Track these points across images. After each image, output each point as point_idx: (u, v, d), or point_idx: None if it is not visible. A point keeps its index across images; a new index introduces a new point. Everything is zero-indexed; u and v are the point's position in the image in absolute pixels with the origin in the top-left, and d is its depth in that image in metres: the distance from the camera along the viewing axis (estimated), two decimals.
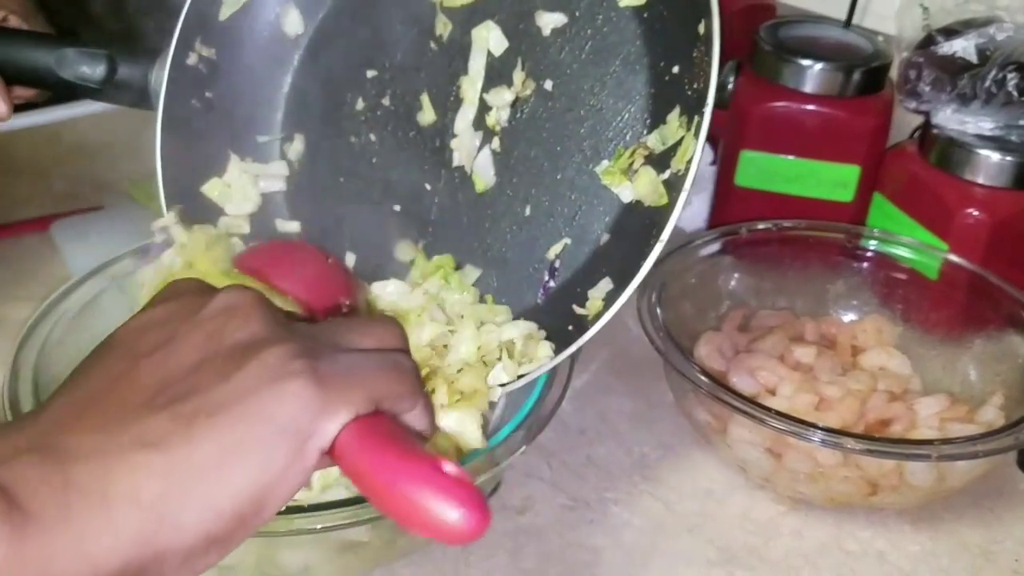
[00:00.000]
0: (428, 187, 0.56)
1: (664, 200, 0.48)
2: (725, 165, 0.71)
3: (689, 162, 0.46)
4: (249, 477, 0.28)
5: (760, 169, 0.68)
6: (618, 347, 0.66)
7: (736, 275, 0.65)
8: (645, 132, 0.50)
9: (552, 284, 0.52)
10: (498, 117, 0.53)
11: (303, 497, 0.46)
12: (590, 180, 0.51)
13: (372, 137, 0.57)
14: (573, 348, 0.48)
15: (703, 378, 0.52)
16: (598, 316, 0.48)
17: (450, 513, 0.28)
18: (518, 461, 0.56)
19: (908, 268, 0.64)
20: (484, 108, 0.54)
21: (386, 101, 0.57)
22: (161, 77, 0.56)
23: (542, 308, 0.52)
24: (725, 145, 0.71)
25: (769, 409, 0.51)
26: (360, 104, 0.57)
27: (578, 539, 0.52)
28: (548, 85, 0.52)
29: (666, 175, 0.48)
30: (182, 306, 0.32)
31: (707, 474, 0.57)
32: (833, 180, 0.68)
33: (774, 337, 0.60)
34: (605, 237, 0.51)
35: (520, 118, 0.53)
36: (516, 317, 0.52)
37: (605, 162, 0.50)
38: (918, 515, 0.55)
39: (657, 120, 0.49)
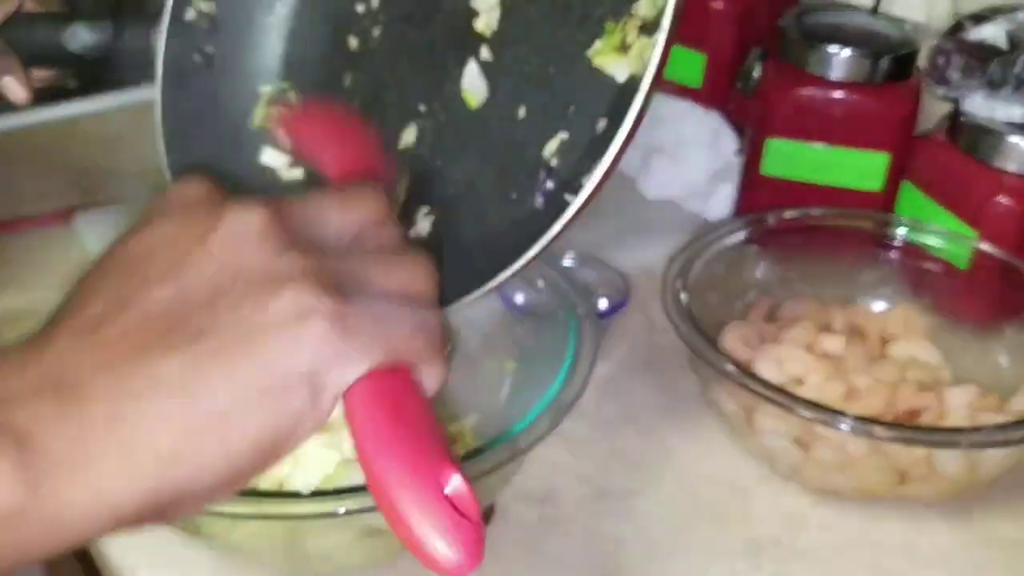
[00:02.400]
0: (423, 108, 0.54)
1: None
2: (751, 154, 0.70)
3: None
4: (263, 426, 0.28)
5: (787, 157, 0.68)
6: (642, 337, 0.66)
7: (763, 264, 0.64)
8: (634, 1, 0.46)
9: (550, 185, 0.49)
10: (488, 21, 0.51)
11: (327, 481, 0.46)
12: (583, 65, 0.48)
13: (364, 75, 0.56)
14: (547, 239, 0.44)
15: (730, 367, 0.52)
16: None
17: (439, 547, 0.27)
18: (541, 451, 0.55)
19: (938, 257, 0.63)
20: (471, 15, 0.51)
21: (376, 32, 0.55)
22: (160, 32, 0.56)
23: (543, 212, 0.49)
24: (751, 133, 0.70)
25: (798, 397, 0.50)
26: (354, 43, 0.56)
27: (601, 529, 0.52)
28: None
29: None
30: (190, 224, 0.30)
31: (733, 465, 0.57)
32: (861, 168, 0.67)
33: (801, 327, 0.60)
34: (602, 123, 0.47)
35: (508, 17, 0.51)
36: (518, 223, 0.49)
37: (597, 43, 0.47)
38: (948, 507, 0.54)
39: None
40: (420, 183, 0.54)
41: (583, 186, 0.44)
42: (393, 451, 0.28)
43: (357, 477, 0.45)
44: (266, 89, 0.59)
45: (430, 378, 0.31)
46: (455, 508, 0.27)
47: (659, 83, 0.42)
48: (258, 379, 0.27)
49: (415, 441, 0.29)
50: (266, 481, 0.44)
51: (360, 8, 0.56)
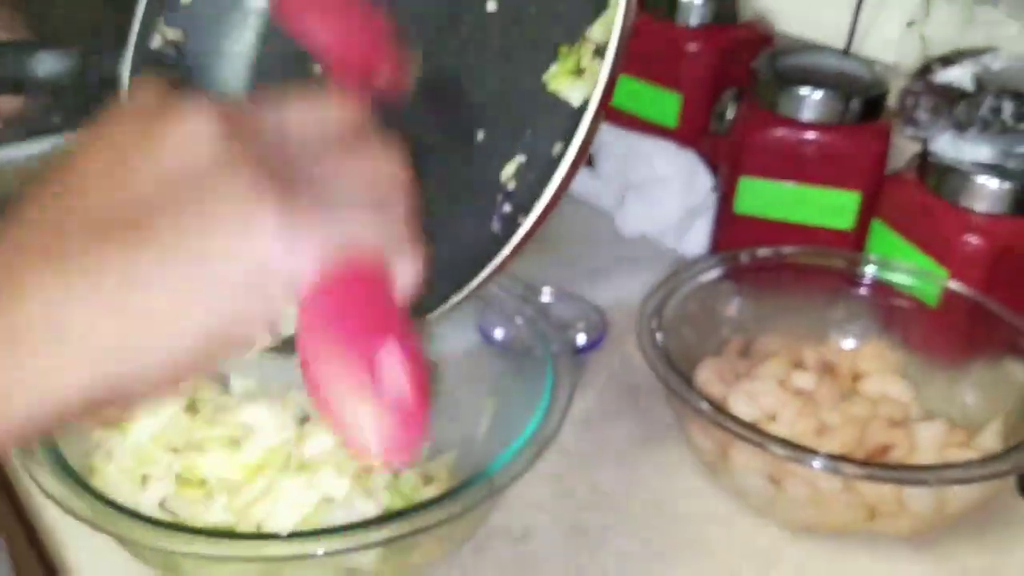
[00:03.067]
0: None
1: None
2: (725, 192, 0.71)
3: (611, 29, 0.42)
4: (206, 323, 0.27)
5: (760, 196, 0.69)
6: (619, 373, 0.67)
7: (737, 301, 0.65)
8: (588, 26, 0.46)
9: (508, 208, 0.49)
10: None
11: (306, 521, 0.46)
12: (539, 89, 0.48)
13: None
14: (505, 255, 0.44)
15: (703, 404, 0.53)
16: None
17: (366, 441, 0.27)
18: (519, 487, 0.56)
19: (908, 295, 0.64)
20: None
21: None
22: (125, 60, 0.55)
23: (500, 237, 0.48)
24: (725, 172, 0.72)
25: (769, 435, 0.51)
26: (318, 69, 0.54)
27: (580, 566, 0.52)
28: (491, 7, 0.50)
29: None
30: (136, 126, 0.28)
31: (709, 501, 0.57)
32: (833, 207, 0.68)
33: (774, 363, 0.61)
34: (559, 147, 0.47)
35: (468, 51, 0.51)
36: (475, 247, 0.48)
37: (552, 67, 0.48)
38: (919, 541, 0.55)
39: (599, 6, 0.46)
40: None
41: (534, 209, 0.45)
42: (331, 350, 0.28)
43: (336, 517, 0.46)
44: None
45: (403, 274, 0.30)
46: (389, 398, 0.27)
47: (607, 106, 0.43)
48: (199, 275, 0.26)
49: (350, 346, 0.28)
50: (245, 522, 0.45)
51: None
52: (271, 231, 0.26)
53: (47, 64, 0.59)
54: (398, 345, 0.28)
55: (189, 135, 0.28)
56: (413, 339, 0.29)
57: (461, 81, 0.51)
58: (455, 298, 0.46)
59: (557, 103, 0.48)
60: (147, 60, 0.55)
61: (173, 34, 0.56)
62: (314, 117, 0.30)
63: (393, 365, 0.28)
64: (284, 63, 0.58)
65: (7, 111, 0.62)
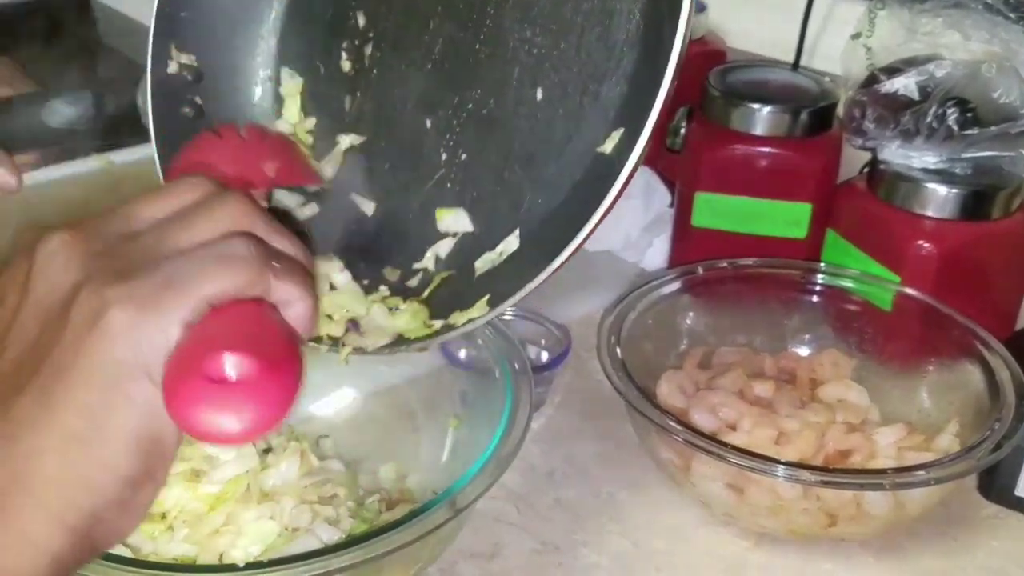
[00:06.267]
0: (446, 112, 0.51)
1: None
2: (682, 207, 0.72)
3: None
4: (123, 426, 0.29)
5: (715, 210, 0.70)
6: (583, 388, 0.67)
7: (695, 313, 0.66)
8: None
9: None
10: None
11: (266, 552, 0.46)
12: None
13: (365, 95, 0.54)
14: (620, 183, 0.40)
15: (663, 417, 0.53)
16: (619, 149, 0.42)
17: (217, 426, 0.28)
18: (486, 505, 0.57)
19: (862, 301, 0.65)
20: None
21: (369, 50, 0.54)
22: (146, 93, 0.55)
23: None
24: (681, 188, 0.73)
25: (727, 445, 0.52)
26: (347, 65, 0.55)
27: None
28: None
29: None
30: (13, 273, 0.32)
31: (673, 511, 0.58)
32: (786, 218, 0.69)
33: (733, 373, 0.61)
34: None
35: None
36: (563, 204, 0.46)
37: None
38: (881, 545, 0.56)
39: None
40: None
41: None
42: (169, 375, 0.29)
43: (299, 546, 0.46)
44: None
45: (291, 306, 0.32)
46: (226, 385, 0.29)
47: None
48: (93, 389, 0.29)
49: (182, 362, 0.29)
50: (207, 553, 0.45)
51: (351, 22, 0.55)
52: (126, 326, 0.29)
53: (60, 113, 0.59)
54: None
55: (47, 265, 0.31)
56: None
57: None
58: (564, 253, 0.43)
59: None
60: (165, 86, 0.55)
61: (187, 58, 0.56)
62: (165, 204, 0.33)
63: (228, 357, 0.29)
64: (310, 63, 0.57)
65: (24, 164, 0.61)
